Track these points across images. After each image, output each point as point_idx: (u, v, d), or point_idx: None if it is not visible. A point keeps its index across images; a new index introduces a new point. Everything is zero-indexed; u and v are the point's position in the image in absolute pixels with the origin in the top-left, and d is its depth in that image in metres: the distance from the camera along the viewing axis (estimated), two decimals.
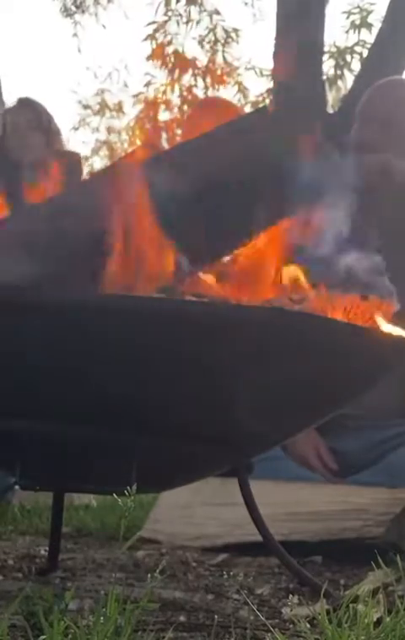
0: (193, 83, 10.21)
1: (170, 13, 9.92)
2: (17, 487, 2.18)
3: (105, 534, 2.73)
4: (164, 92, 10.21)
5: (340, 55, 8.96)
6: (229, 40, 10.28)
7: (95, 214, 1.82)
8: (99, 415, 1.70)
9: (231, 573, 2.10)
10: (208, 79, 10.27)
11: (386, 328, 1.86)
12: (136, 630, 1.32)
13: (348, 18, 9.14)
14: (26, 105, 4.03)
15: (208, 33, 10.19)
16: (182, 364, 1.68)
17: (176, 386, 1.69)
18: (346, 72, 8.97)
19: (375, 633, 1.30)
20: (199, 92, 10.16)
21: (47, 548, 2.16)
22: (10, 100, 4.47)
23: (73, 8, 10.56)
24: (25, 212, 1.94)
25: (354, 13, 9.14)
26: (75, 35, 10.83)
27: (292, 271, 1.89)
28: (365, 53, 8.33)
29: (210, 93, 10.18)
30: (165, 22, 9.93)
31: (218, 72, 10.32)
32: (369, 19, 9.05)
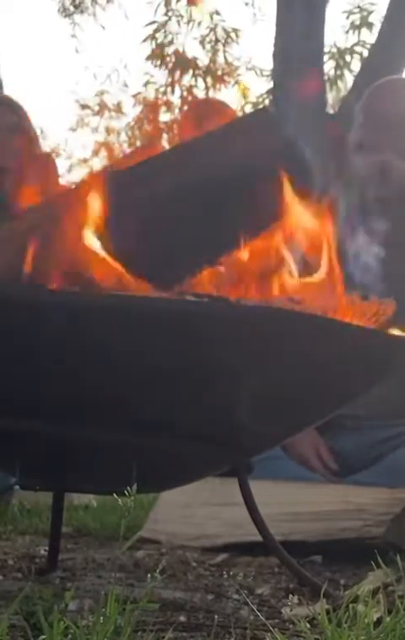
0: (193, 83, 10.22)
1: (170, 13, 9.93)
2: (17, 487, 2.18)
3: (105, 534, 2.73)
4: (164, 92, 10.22)
5: (340, 55, 8.97)
6: (230, 40, 10.29)
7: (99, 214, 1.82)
8: (99, 415, 1.70)
9: (231, 573, 2.10)
10: (209, 79, 10.27)
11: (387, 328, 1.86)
12: (136, 630, 1.32)
13: (348, 18, 9.16)
14: (7, 105, 3.87)
15: (209, 33, 10.20)
16: (182, 364, 1.68)
17: (176, 386, 1.69)
18: (346, 72, 8.98)
19: (375, 633, 1.30)
20: (199, 92, 10.16)
21: (47, 548, 2.16)
22: None
23: (72, 9, 10.56)
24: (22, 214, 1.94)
25: (354, 13, 9.16)
26: (73, 35, 10.84)
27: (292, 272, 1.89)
28: (365, 53, 8.35)
29: (210, 93, 10.18)
30: (165, 22, 9.94)
31: (219, 72, 10.33)
32: (370, 19, 9.07)
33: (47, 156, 3.93)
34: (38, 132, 3.93)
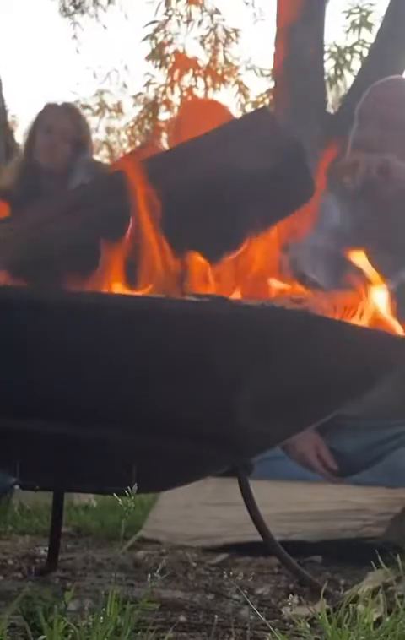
0: (193, 83, 10.21)
1: (170, 13, 9.92)
2: (17, 487, 2.18)
3: (105, 534, 2.73)
4: (164, 92, 10.22)
5: (340, 55, 8.96)
6: (230, 40, 10.29)
7: (97, 214, 1.82)
8: (99, 415, 1.70)
9: (231, 573, 2.10)
10: (209, 79, 10.27)
11: (386, 327, 1.86)
12: (136, 630, 1.32)
13: (348, 17, 9.16)
14: (67, 112, 3.94)
15: (209, 33, 10.20)
16: (182, 364, 1.68)
17: (176, 386, 1.69)
18: (346, 72, 8.97)
19: (375, 633, 1.30)
20: (199, 92, 10.16)
21: (47, 548, 2.16)
22: (10, 100, 4.40)
23: (72, 9, 10.55)
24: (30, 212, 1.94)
25: (354, 13, 9.16)
26: (74, 36, 10.82)
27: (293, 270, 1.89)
28: (365, 53, 8.34)
29: (210, 93, 10.18)
30: (166, 22, 9.94)
31: (219, 71, 10.32)
32: (369, 19, 9.06)
33: (100, 166, 3.99)
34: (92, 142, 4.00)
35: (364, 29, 9.03)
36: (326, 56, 7.84)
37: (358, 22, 9.08)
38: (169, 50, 9.98)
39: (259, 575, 2.11)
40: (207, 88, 10.26)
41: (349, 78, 8.73)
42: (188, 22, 9.95)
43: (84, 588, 1.85)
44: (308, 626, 1.30)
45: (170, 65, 9.98)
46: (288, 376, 1.74)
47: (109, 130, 14.06)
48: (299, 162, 1.90)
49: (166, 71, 10.07)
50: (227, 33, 10.26)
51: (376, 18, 8.68)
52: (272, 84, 7.77)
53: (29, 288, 1.73)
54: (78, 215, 1.84)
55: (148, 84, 10.59)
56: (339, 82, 9.07)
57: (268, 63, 7.88)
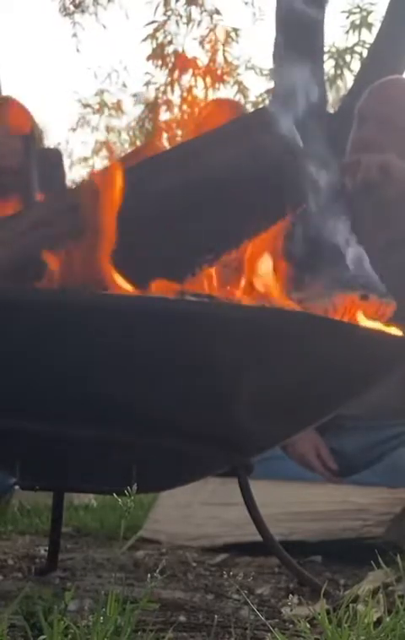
0: (193, 83, 10.21)
1: (169, 13, 9.93)
2: (17, 487, 2.18)
3: (105, 534, 2.73)
4: (165, 92, 10.22)
5: (340, 55, 8.96)
6: (229, 39, 10.28)
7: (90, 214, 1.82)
8: (99, 415, 1.70)
9: (231, 573, 2.10)
10: (208, 79, 10.26)
11: (386, 327, 1.86)
12: (136, 630, 1.32)
13: (348, 18, 9.15)
14: (5, 106, 3.91)
15: (208, 33, 10.20)
16: (182, 364, 1.68)
17: (176, 386, 1.69)
18: (346, 72, 8.97)
19: (375, 633, 1.30)
20: (199, 92, 10.15)
21: (47, 548, 2.16)
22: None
23: (72, 8, 10.55)
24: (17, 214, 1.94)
25: (354, 13, 9.15)
26: (74, 35, 10.81)
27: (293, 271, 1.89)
28: (365, 53, 8.34)
29: (210, 93, 10.17)
30: (165, 22, 9.94)
31: (219, 71, 10.32)
32: (369, 19, 9.05)
33: (51, 152, 3.95)
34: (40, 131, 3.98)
35: (364, 30, 9.03)
36: (326, 56, 7.84)
37: (358, 22, 9.08)
38: (169, 50, 9.98)
39: (259, 575, 2.11)
40: (206, 88, 10.26)
41: (349, 78, 8.73)
42: (188, 22, 9.95)
43: (84, 588, 1.85)
44: (308, 626, 1.30)
45: (170, 65, 9.98)
46: (288, 377, 1.75)
47: (109, 130, 14.08)
48: (294, 165, 1.90)
49: (166, 71, 10.08)
50: (227, 33, 10.26)
51: (376, 19, 8.68)
52: (272, 84, 7.76)
53: (27, 288, 1.73)
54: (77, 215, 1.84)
55: (147, 83, 10.61)
56: (339, 82, 9.07)
57: (268, 63, 7.88)
